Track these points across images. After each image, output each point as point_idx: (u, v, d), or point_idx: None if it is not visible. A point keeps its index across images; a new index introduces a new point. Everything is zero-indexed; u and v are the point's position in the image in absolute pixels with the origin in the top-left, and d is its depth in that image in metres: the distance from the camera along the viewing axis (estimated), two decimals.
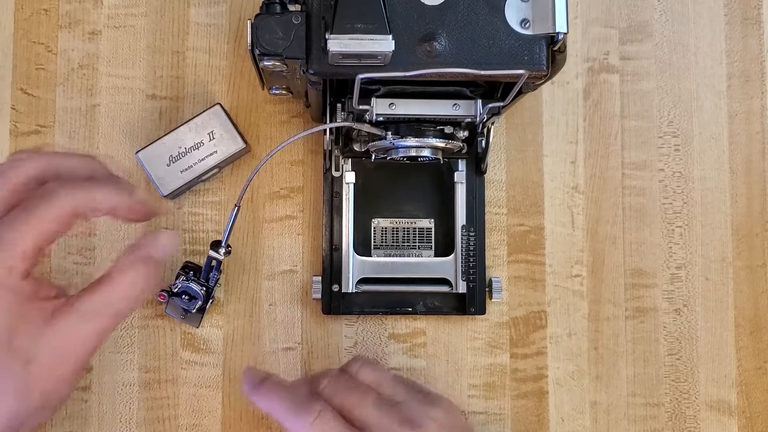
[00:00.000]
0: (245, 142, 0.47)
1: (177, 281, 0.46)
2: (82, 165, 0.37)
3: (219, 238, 0.49)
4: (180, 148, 0.46)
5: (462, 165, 0.49)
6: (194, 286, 0.46)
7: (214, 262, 0.46)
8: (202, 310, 0.47)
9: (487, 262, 0.49)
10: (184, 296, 0.46)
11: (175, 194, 0.47)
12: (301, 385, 0.41)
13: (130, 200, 0.36)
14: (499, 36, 0.36)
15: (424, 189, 0.50)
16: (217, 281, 0.46)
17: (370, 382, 0.41)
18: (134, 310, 0.36)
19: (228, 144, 0.47)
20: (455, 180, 0.48)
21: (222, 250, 0.44)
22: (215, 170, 0.48)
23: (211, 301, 0.47)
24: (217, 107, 0.47)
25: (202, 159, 0.47)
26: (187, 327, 0.48)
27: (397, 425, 0.38)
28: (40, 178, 0.35)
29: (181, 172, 0.46)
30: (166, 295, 0.46)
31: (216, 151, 0.47)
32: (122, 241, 0.48)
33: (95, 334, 0.34)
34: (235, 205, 0.43)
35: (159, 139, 0.47)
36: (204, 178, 0.48)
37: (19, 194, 0.35)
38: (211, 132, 0.47)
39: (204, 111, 0.47)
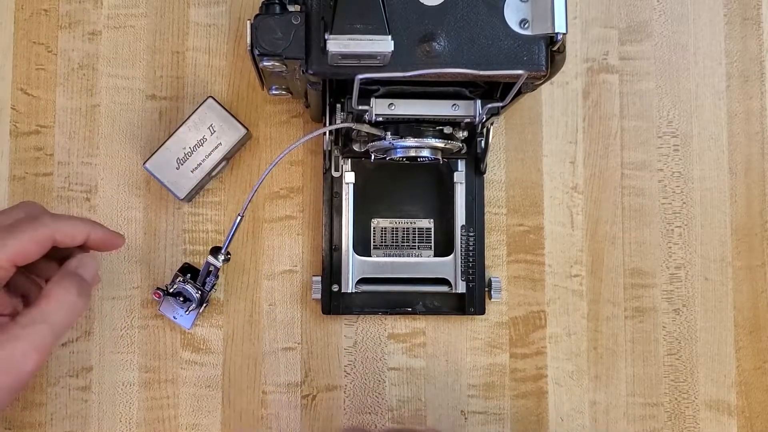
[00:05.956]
0: (245, 127, 0.47)
1: (174, 282, 0.47)
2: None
3: (219, 238, 0.49)
4: (185, 148, 0.46)
5: (461, 165, 0.49)
6: (190, 289, 0.46)
7: (212, 268, 0.46)
8: (195, 313, 0.47)
9: (486, 262, 0.49)
10: (179, 297, 0.46)
11: (191, 195, 0.47)
12: None
13: (101, 232, 0.41)
14: (499, 36, 0.36)
15: (423, 189, 0.50)
16: (213, 286, 0.46)
17: None
18: (69, 326, 0.39)
19: (230, 133, 0.47)
20: (455, 180, 0.49)
21: (221, 257, 0.44)
22: (223, 163, 0.47)
23: (205, 305, 0.47)
24: (210, 100, 0.47)
25: (209, 154, 0.46)
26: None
27: None
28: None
29: (191, 171, 0.46)
30: (161, 293, 0.46)
31: (220, 143, 0.47)
32: None
33: (33, 348, 0.37)
34: (239, 215, 0.43)
35: (162, 145, 0.46)
36: (214, 173, 0.48)
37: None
38: (211, 125, 0.47)
39: (198, 107, 0.47)
